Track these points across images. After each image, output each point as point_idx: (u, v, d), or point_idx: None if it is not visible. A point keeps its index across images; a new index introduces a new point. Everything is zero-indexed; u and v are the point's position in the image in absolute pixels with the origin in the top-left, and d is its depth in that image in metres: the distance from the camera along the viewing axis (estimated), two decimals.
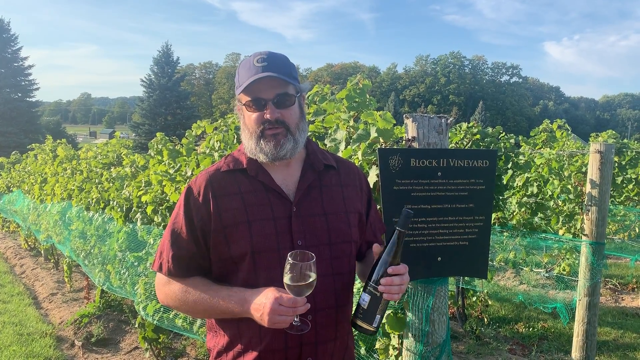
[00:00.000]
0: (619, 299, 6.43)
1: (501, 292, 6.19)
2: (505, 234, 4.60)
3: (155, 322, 3.59)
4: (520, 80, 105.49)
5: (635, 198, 6.77)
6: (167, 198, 3.70)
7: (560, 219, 5.04)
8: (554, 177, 5.09)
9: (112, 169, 5.55)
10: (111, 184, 4.94)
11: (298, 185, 1.53)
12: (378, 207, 1.89)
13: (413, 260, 1.54)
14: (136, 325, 4.21)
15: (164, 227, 3.67)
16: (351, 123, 2.43)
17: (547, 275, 5.71)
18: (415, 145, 1.96)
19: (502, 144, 4.12)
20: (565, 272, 5.26)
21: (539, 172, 5.05)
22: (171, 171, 3.78)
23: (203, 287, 1.48)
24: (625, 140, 6.38)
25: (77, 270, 7.37)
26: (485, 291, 4.82)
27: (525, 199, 4.72)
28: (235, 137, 3.43)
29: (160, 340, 4.15)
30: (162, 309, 3.51)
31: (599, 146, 3.49)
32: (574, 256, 5.04)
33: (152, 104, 38.69)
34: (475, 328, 4.85)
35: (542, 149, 5.24)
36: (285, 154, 1.48)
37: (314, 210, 1.52)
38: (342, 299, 1.52)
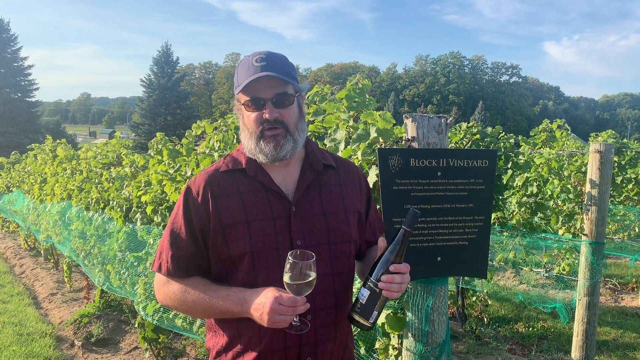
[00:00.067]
0: (619, 299, 6.43)
1: (501, 292, 6.19)
2: (505, 233, 4.60)
3: (155, 322, 3.59)
4: (520, 80, 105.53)
5: (635, 198, 6.77)
6: (167, 198, 3.70)
7: (560, 218, 5.05)
8: (553, 177, 5.09)
9: (111, 169, 5.55)
10: (111, 184, 4.94)
11: (297, 185, 1.53)
12: (378, 207, 1.89)
13: (413, 260, 1.53)
14: (136, 325, 4.21)
15: (164, 227, 3.67)
16: (351, 123, 2.43)
17: (546, 275, 5.71)
18: (414, 145, 1.96)
19: (501, 144, 4.12)
20: (565, 272, 5.26)
21: (539, 172, 5.05)
22: (171, 171, 3.78)
23: (202, 287, 1.48)
24: (625, 140, 6.38)
25: (77, 270, 7.37)
26: (485, 291, 4.82)
27: (525, 198, 4.72)
28: (235, 137, 3.43)
29: (160, 340, 4.15)
30: (161, 309, 3.51)
31: (598, 146, 3.49)
32: (574, 256, 5.04)
33: (151, 104, 38.69)
34: (475, 328, 4.85)
35: (542, 148, 5.24)
36: (285, 155, 1.48)
37: (313, 210, 1.52)
38: (341, 298, 1.52)
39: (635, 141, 7.41)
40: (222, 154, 3.26)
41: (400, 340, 2.12)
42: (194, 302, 1.47)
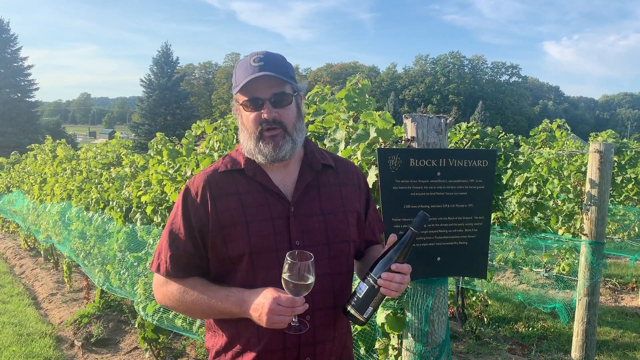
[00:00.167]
0: (619, 299, 6.43)
1: (501, 291, 6.19)
2: (504, 233, 4.60)
3: (154, 322, 3.59)
4: (520, 80, 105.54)
5: (635, 197, 6.77)
6: (167, 198, 3.70)
7: (560, 218, 5.05)
8: (553, 176, 5.09)
9: (111, 169, 5.55)
10: (111, 184, 4.94)
11: (296, 185, 1.53)
12: (377, 207, 1.89)
13: (412, 260, 1.54)
14: (136, 326, 4.21)
15: (164, 227, 3.66)
16: (350, 123, 2.43)
17: (546, 275, 5.71)
18: (414, 145, 1.96)
19: (501, 144, 4.12)
20: (564, 272, 5.26)
21: (539, 171, 5.05)
22: (171, 171, 3.77)
23: (201, 287, 1.48)
24: (624, 140, 6.38)
25: (77, 271, 7.36)
26: (485, 291, 4.82)
27: (524, 198, 4.72)
28: (235, 137, 3.43)
29: (160, 341, 4.15)
30: (161, 309, 3.51)
31: (598, 146, 3.49)
32: (574, 256, 5.04)
33: (151, 104, 38.70)
34: (474, 328, 4.85)
35: (542, 148, 5.24)
36: (284, 156, 1.48)
37: (312, 210, 1.52)
38: (340, 298, 1.52)
39: (635, 141, 7.40)
40: (222, 154, 3.26)
41: (400, 341, 2.12)
42: (192, 302, 1.47)
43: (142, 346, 4.31)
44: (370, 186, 2.04)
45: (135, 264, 3.91)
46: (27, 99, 38.21)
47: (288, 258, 1.32)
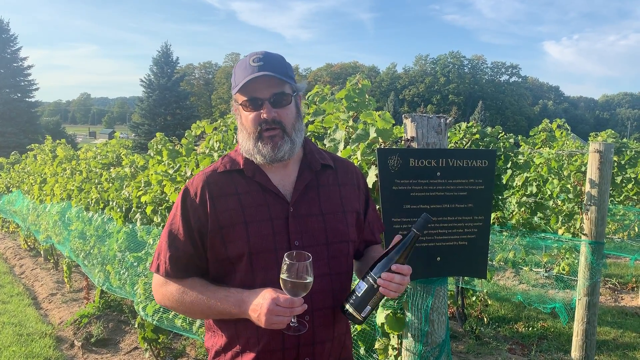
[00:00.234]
0: (619, 299, 6.43)
1: (501, 291, 6.19)
2: (504, 233, 4.60)
3: (154, 322, 3.59)
4: (520, 79, 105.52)
5: (635, 197, 6.77)
6: (167, 198, 3.70)
7: (560, 218, 5.05)
8: (553, 176, 5.09)
9: (111, 169, 5.55)
10: (111, 184, 4.94)
11: (295, 185, 1.53)
12: (377, 207, 1.89)
13: (412, 260, 1.54)
14: (136, 326, 4.21)
15: (163, 227, 3.66)
16: (350, 123, 2.43)
17: (546, 274, 5.71)
18: (414, 145, 1.96)
19: (501, 144, 4.12)
20: (564, 272, 5.26)
21: (538, 171, 5.05)
22: (171, 171, 3.77)
23: (200, 288, 1.48)
24: (624, 140, 6.38)
25: (77, 271, 7.36)
26: (485, 291, 4.82)
27: (524, 198, 4.72)
28: (235, 137, 3.43)
29: (159, 341, 4.15)
30: (161, 309, 3.51)
31: (598, 146, 3.49)
32: (574, 256, 5.04)
33: (151, 104, 38.69)
34: (474, 328, 4.85)
35: (542, 148, 5.24)
36: (283, 156, 1.48)
37: (311, 210, 1.52)
38: (339, 299, 1.52)
39: (635, 141, 7.40)
40: (221, 154, 3.26)
41: (399, 341, 2.12)
42: (192, 302, 1.47)
43: (142, 346, 4.31)
44: (370, 186, 2.04)
45: (135, 264, 3.91)
46: (27, 99, 38.20)
47: (286, 259, 1.32)
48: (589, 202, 3.58)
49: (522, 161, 4.42)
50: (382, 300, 1.47)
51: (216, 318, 1.53)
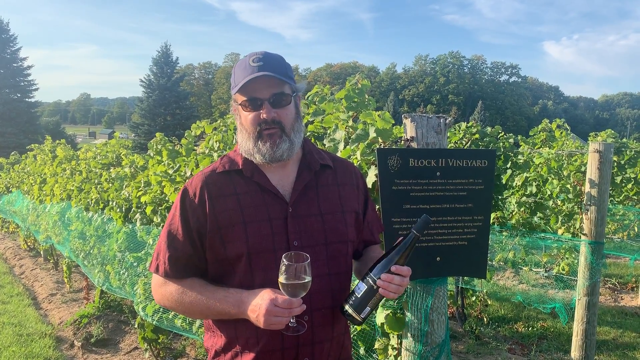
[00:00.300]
0: (618, 298, 6.43)
1: (500, 291, 6.19)
2: (504, 233, 4.60)
3: (154, 322, 3.59)
4: (520, 79, 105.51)
5: (635, 197, 6.77)
6: (167, 198, 3.70)
7: (560, 218, 5.05)
8: (553, 176, 5.09)
9: (111, 170, 5.55)
10: (110, 185, 4.94)
11: (294, 185, 1.53)
12: (377, 207, 1.89)
13: (412, 260, 1.54)
14: (136, 326, 4.20)
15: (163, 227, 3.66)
16: (350, 123, 2.43)
17: (546, 274, 5.71)
18: (413, 145, 1.96)
19: (501, 144, 4.13)
20: (564, 272, 5.26)
21: (538, 171, 5.05)
22: (170, 171, 3.77)
23: (199, 288, 1.48)
24: (624, 140, 6.38)
25: (77, 271, 7.36)
26: (485, 291, 4.82)
27: (524, 198, 4.72)
28: (234, 137, 3.43)
29: (159, 341, 4.15)
30: (161, 309, 3.51)
31: (598, 145, 3.49)
32: (573, 255, 5.04)
33: (151, 104, 38.69)
34: (474, 328, 4.85)
35: (541, 148, 5.24)
36: (282, 155, 1.47)
37: (310, 210, 1.52)
38: (338, 299, 1.52)
39: (635, 141, 7.41)
40: (221, 154, 3.26)
41: (399, 341, 2.12)
42: (191, 303, 1.47)
43: (142, 346, 4.31)
44: (370, 186, 2.04)
45: (135, 264, 3.91)
46: (26, 99, 38.17)
47: (284, 260, 1.32)
48: (588, 202, 3.58)
49: (521, 161, 4.43)
50: (382, 301, 1.47)
51: (215, 318, 1.52)
